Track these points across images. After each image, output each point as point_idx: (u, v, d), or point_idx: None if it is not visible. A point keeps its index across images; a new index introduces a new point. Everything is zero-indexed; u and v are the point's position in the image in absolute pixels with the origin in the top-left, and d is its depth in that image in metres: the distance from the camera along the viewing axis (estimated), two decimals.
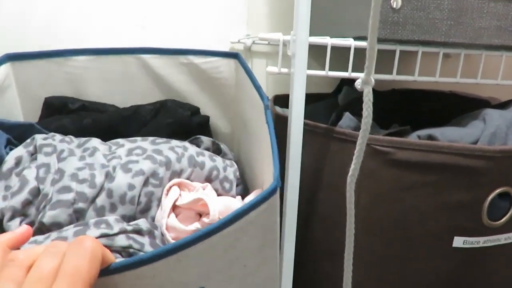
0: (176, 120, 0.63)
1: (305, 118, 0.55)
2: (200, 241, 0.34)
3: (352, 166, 0.42)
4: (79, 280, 0.26)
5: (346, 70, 0.56)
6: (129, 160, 0.50)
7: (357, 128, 0.62)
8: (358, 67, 0.53)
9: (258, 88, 0.54)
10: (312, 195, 0.62)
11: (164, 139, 0.57)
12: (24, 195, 0.45)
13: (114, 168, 0.49)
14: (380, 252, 0.56)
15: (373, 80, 0.40)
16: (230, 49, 0.90)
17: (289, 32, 0.53)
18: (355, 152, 0.42)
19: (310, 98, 0.83)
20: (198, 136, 0.63)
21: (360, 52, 0.51)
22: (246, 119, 0.65)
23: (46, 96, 0.62)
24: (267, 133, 0.48)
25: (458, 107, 0.71)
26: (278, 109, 0.78)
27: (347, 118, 0.62)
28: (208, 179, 0.55)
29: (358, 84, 0.41)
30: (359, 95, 0.42)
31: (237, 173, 0.59)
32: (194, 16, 0.86)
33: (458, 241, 0.52)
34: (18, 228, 0.34)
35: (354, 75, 0.55)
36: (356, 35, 0.58)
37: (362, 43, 0.54)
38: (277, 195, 0.41)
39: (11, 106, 0.60)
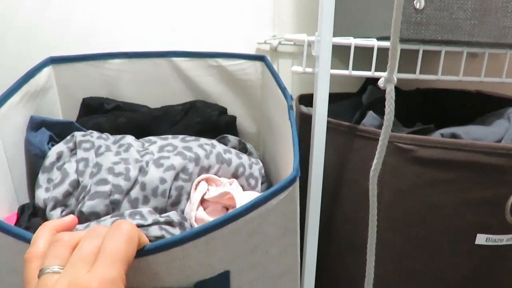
0: (205, 119, 0.65)
1: (329, 116, 0.57)
2: (225, 225, 0.36)
3: (375, 161, 0.44)
4: (117, 260, 0.28)
5: (370, 70, 0.57)
6: (161, 156, 0.53)
7: (381, 127, 0.63)
8: (382, 67, 0.54)
9: (283, 89, 0.57)
10: (335, 191, 0.64)
11: (194, 137, 0.60)
12: (65, 187, 0.49)
13: (147, 163, 0.52)
14: (402, 247, 0.57)
15: (395, 79, 0.41)
16: (257, 50, 0.92)
17: (314, 33, 0.55)
18: (378, 147, 0.43)
19: (335, 98, 0.85)
20: (225, 135, 0.66)
21: (384, 52, 0.52)
22: (271, 119, 0.67)
23: (83, 96, 0.66)
24: (290, 131, 0.50)
25: (483, 106, 0.71)
26: (303, 108, 0.80)
27: (371, 117, 0.63)
28: (235, 175, 0.57)
29: (381, 83, 0.43)
30: (383, 95, 0.44)
31: (262, 171, 0.61)
32: (221, 18, 0.89)
33: (481, 239, 0.53)
34: (65, 217, 0.38)
35: (377, 74, 0.56)
36: (380, 35, 0.59)
37: (385, 43, 0.55)
38: (296, 185, 0.43)
39: (52, 106, 0.65)
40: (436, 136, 0.58)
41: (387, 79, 0.41)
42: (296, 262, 0.49)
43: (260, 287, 0.43)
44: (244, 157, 0.60)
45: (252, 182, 0.59)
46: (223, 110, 0.71)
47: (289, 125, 0.51)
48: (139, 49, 0.77)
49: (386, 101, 0.41)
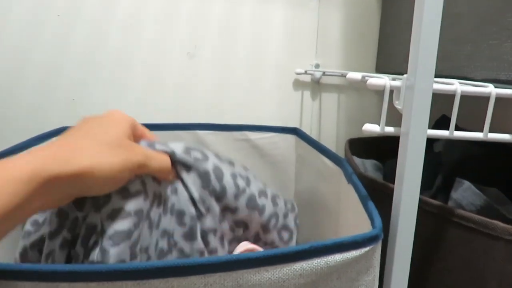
0: None
1: (386, 173, 0.39)
2: (262, 265, 0.28)
3: None
4: None
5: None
6: None
7: (485, 207, 0.44)
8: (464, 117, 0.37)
9: (330, 155, 0.52)
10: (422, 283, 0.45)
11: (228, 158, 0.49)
12: None
13: None
14: None
15: None
16: (295, 81, 0.75)
17: (369, 65, 0.38)
18: None
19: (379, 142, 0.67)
20: None
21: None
22: (315, 196, 0.60)
23: None
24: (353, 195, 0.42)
25: None
26: (357, 161, 0.62)
27: (468, 191, 0.44)
28: (265, 228, 0.48)
29: None
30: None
31: (297, 220, 0.54)
32: (250, 40, 0.72)
33: None
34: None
35: (491, 137, 0.38)
36: (485, 77, 0.41)
37: (507, 91, 0.37)
38: (377, 249, 0.33)
39: None
40: None
41: None
42: None
43: None
44: (281, 202, 0.52)
45: (285, 235, 0.51)
46: None
47: (351, 189, 0.43)
48: (155, 74, 0.69)
49: None
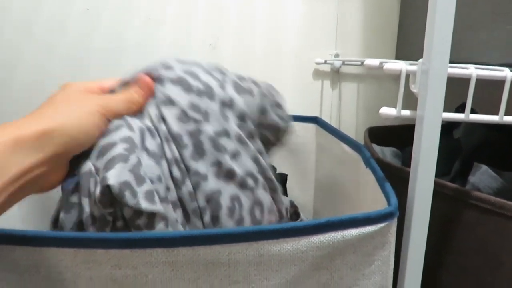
0: None
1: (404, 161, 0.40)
2: (282, 236, 0.30)
3: None
4: None
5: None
6: None
7: (502, 191, 0.45)
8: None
9: (349, 142, 0.52)
10: (436, 270, 0.46)
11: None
12: None
13: None
14: None
15: None
16: (314, 71, 0.76)
17: (389, 54, 0.39)
18: None
19: (401, 130, 0.68)
20: None
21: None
22: (334, 184, 0.60)
23: None
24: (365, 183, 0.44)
25: None
26: (376, 148, 0.63)
27: (485, 174, 0.45)
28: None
29: None
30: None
31: None
32: (272, 33, 0.74)
33: None
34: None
35: (507, 119, 0.38)
36: (500, 62, 0.42)
37: None
38: (392, 225, 0.34)
39: None
40: None
41: None
42: None
43: None
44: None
45: None
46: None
47: (369, 173, 0.44)
48: None
49: None
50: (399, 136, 0.70)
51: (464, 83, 0.38)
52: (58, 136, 0.30)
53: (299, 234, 0.30)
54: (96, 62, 0.69)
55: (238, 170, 0.36)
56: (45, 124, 0.30)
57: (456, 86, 0.37)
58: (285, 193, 0.62)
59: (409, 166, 0.40)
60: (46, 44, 0.68)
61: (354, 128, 0.79)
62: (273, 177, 0.39)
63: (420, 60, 0.37)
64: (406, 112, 0.39)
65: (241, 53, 0.73)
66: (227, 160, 0.36)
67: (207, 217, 0.35)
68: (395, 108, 0.39)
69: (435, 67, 0.36)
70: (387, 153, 0.63)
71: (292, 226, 0.30)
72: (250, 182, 0.37)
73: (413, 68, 0.38)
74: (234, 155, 0.37)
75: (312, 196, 0.71)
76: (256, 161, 0.38)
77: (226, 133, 0.37)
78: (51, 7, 0.67)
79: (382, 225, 0.33)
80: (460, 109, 0.62)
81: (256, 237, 0.29)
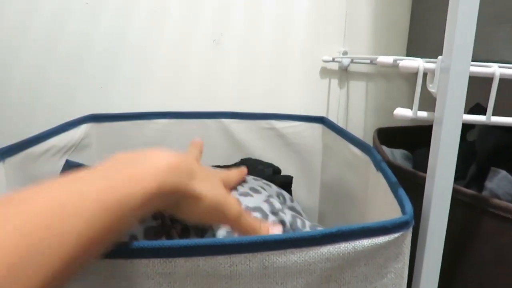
0: (258, 176, 0.51)
1: (416, 164, 0.38)
2: (288, 247, 0.27)
3: None
4: None
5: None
6: None
7: None
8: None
9: (358, 143, 0.50)
10: (452, 283, 0.43)
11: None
12: None
13: None
14: None
15: None
16: (321, 69, 0.74)
17: (399, 52, 0.36)
18: None
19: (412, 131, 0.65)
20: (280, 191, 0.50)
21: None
22: (340, 186, 0.59)
23: None
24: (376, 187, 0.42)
25: None
26: (386, 150, 0.60)
27: (504, 180, 0.42)
28: None
29: None
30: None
31: None
32: (278, 29, 0.71)
33: None
34: None
35: None
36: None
37: None
38: (407, 235, 0.31)
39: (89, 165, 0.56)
40: None
41: None
42: None
43: None
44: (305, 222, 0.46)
45: None
46: (277, 170, 0.61)
47: (380, 176, 0.41)
48: (180, 61, 0.70)
49: None
50: (409, 137, 0.67)
51: (478, 81, 0.36)
52: (194, 203, 0.31)
53: (307, 245, 0.27)
54: (99, 58, 0.68)
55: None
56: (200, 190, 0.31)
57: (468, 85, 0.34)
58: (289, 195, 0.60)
59: (421, 170, 0.38)
60: (44, 42, 0.65)
61: (362, 129, 0.77)
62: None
63: (440, 57, 0.35)
64: (423, 114, 0.36)
65: (245, 49, 0.71)
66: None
67: None
68: (410, 109, 0.36)
69: (456, 64, 0.33)
70: (397, 155, 0.61)
71: (300, 236, 0.27)
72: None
73: (431, 66, 0.36)
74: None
75: (318, 198, 0.69)
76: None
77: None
78: (50, 2, 0.64)
79: (396, 235, 0.30)
80: (475, 110, 0.59)
81: (260, 247, 0.26)
